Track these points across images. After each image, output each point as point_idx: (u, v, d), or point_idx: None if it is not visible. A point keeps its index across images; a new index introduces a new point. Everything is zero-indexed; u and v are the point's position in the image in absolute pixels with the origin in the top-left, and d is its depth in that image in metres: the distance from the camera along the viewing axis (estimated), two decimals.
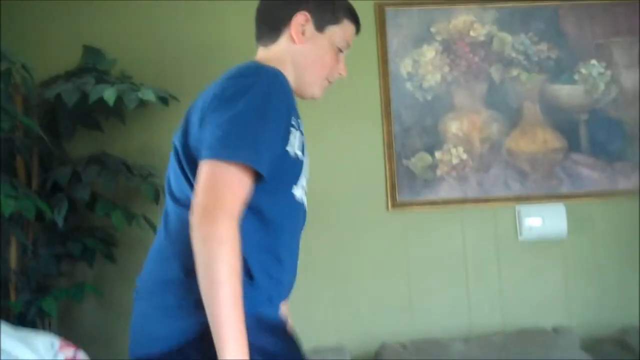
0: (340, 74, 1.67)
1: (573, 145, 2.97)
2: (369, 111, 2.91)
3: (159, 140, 2.82)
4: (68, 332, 2.45)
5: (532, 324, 2.73)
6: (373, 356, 2.59)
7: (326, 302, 2.75)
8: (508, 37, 3.01)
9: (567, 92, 3.00)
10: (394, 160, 2.88)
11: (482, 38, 3.00)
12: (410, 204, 2.87)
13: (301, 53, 1.60)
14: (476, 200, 2.90)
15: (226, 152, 1.35)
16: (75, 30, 2.83)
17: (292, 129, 1.45)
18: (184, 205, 1.43)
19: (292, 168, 1.48)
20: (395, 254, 2.85)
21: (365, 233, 2.84)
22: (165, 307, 1.40)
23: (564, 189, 2.93)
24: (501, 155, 2.94)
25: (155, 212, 2.62)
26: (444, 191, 2.89)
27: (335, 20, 1.61)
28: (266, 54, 1.61)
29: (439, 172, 2.90)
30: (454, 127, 2.94)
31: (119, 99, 2.43)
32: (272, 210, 1.45)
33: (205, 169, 1.35)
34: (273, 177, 1.40)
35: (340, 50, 1.65)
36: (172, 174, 1.52)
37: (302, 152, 1.50)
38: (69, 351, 1.75)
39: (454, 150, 2.92)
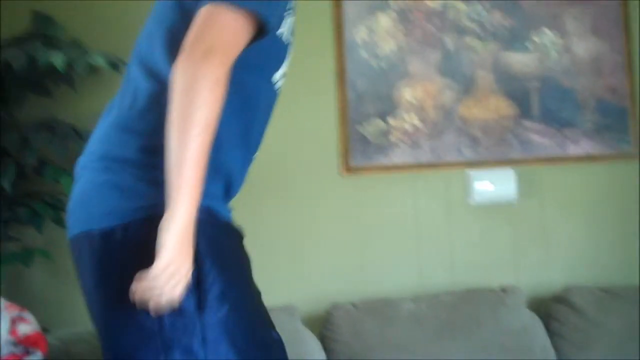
0: None
1: (524, 112, 3.00)
2: (323, 78, 2.92)
3: None
4: (16, 297, 2.43)
5: (481, 284, 2.78)
6: (324, 315, 2.62)
7: (278, 263, 2.77)
8: (463, 6, 3.02)
9: (519, 61, 3.03)
10: (348, 126, 2.90)
11: (437, 7, 3.01)
12: (363, 169, 2.90)
13: None
14: (428, 166, 2.93)
15: None
16: None
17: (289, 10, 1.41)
18: (160, 81, 1.34)
19: (279, 50, 1.43)
20: (348, 217, 2.88)
21: (319, 197, 2.86)
22: (118, 185, 1.32)
23: (515, 155, 2.97)
24: (454, 122, 2.96)
25: None
26: (397, 157, 2.92)
27: None
28: None
29: (392, 138, 2.92)
30: (407, 94, 2.96)
31: (69, 65, 2.40)
32: (253, 88, 1.39)
33: (208, 9, 1.27)
34: (264, 51, 1.36)
35: None
36: (147, 43, 1.42)
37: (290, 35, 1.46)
38: (14, 311, 1.75)
39: (407, 117, 2.95)
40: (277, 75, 1.47)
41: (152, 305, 1.23)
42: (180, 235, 1.21)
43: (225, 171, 1.39)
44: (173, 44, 1.33)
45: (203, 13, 1.28)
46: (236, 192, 1.46)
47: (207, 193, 1.28)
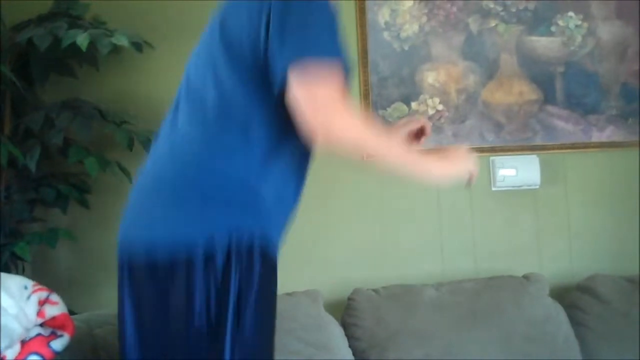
0: None
1: (548, 97, 2.98)
2: None
3: (133, 87, 2.80)
4: (42, 278, 2.45)
5: (504, 271, 2.77)
6: (346, 301, 2.62)
7: (301, 249, 2.76)
8: None
9: (543, 44, 3.00)
10: (370, 110, 2.88)
11: None
12: None
13: None
14: None
15: (317, 49, 1.38)
16: None
17: None
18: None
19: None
20: (370, 202, 2.87)
21: (341, 181, 2.85)
22: (183, 210, 1.43)
23: (538, 141, 2.96)
24: (477, 106, 2.95)
25: (130, 159, 2.61)
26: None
27: None
28: None
29: None
30: (430, 77, 2.94)
31: (92, 45, 2.40)
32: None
33: (300, 84, 1.37)
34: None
35: None
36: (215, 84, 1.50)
37: None
38: (43, 293, 1.75)
39: (430, 101, 2.93)
40: None
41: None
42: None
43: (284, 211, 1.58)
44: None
45: (298, 90, 1.37)
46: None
47: (270, 224, 1.48)
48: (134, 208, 1.51)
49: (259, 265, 1.41)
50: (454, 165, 1.58)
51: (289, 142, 1.50)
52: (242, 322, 1.38)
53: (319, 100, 1.37)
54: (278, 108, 1.44)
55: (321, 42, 1.39)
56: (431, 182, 1.58)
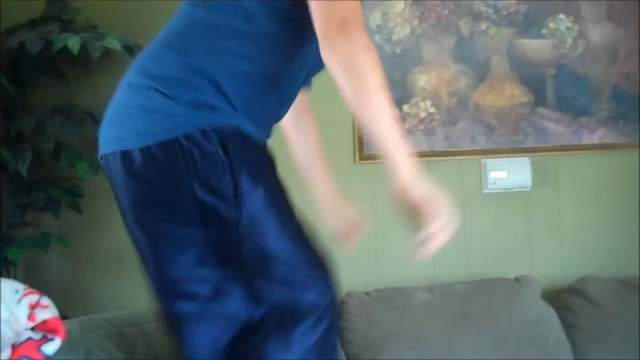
0: None
1: (539, 99, 2.99)
2: None
3: None
4: (34, 283, 2.44)
5: (495, 273, 2.78)
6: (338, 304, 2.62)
7: None
8: None
9: (534, 47, 3.01)
10: None
11: None
12: (378, 157, 2.85)
13: None
14: (443, 154, 2.92)
15: None
16: None
17: None
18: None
19: None
20: (362, 205, 2.87)
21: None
22: (148, 108, 1.42)
23: (530, 143, 2.97)
24: (468, 109, 2.95)
25: None
26: (411, 144, 2.88)
27: None
28: None
29: (406, 126, 2.91)
30: (422, 80, 2.94)
31: (84, 48, 2.41)
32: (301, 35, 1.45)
33: None
34: None
35: None
36: None
37: None
38: (34, 297, 1.75)
39: (422, 104, 2.94)
40: None
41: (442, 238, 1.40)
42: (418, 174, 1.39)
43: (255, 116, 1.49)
44: None
45: None
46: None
47: (235, 118, 1.42)
48: (116, 103, 1.53)
49: (239, 147, 1.40)
50: (427, 187, 1.40)
51: (288, 63, 1.50)
52: (240, 199, 1.37)
53: (335, 4, 1.35)
54: (289, 25, 1.44)
55: None
56: (393, 177, 1.40)
